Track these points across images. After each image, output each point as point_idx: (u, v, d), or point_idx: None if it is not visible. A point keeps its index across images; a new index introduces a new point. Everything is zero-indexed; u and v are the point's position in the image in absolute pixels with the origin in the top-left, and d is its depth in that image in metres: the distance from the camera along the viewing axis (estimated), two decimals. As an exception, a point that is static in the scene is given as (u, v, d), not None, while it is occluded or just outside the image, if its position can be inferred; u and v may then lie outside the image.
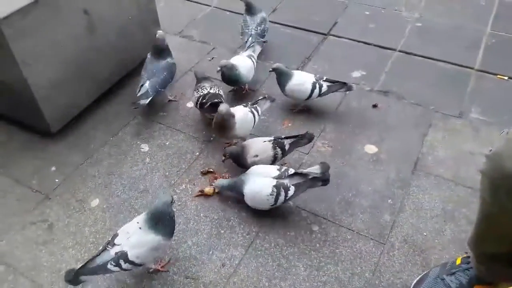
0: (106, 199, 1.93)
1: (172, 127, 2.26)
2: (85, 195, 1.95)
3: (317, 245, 1.73)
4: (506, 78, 2.45)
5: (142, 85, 2.24)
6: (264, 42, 2.68)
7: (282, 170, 1.80)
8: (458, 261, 1.49)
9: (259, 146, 1.94)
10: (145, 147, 2.16)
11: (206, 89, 2.18)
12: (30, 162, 2.11)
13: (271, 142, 1.94)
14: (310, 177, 1.77)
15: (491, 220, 1.25)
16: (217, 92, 2.18)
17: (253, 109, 2.10)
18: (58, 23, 2.01)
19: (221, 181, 1.90)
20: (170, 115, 2.33)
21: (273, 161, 1.94)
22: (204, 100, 2.13)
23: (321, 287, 1.60)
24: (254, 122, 2.10)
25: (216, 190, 1.93)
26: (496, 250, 1.31)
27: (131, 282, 1.65)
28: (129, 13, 2.38)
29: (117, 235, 1.55)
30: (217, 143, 2.17)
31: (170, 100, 2.41)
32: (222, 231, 1.79)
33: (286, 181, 1.77)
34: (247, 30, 2.62)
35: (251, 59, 2.40)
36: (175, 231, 1.76)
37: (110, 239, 1.56)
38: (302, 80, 2.24)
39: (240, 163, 1.95)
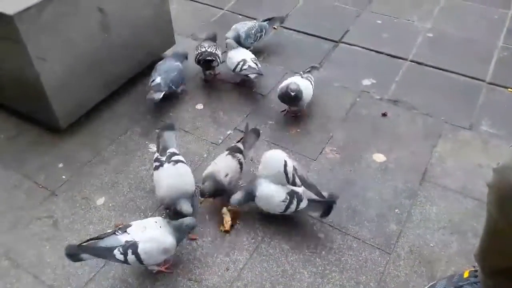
0: (112, 198, 1.93)
1: (181, 128, 2.26)
2: (91, 193, 1.96)
3: (323, 252, 1.72)
4: (517, 91, 2.44)
5: (153, 80, 2.29)
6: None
7: (298, 185, 1.78)
8: (466, 274, 1.48)
9: (222, 165, 1.84)
10: (153, 147, 2.16)
11: (204, 48, 2.45)
12: (38, 158, 2.11)
13: (228, 154, 1.88)
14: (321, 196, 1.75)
15: (497, 234, 1.23)
16: (213, 51, 2.45)
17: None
18: (73, 20, 2.02)
19: (235, 198, 1.78)
20: (179, 116, 2.33)
21: (241, 168, 1.88)
22: (200, 57, 2.43)
23: (325, 295, 1.59)
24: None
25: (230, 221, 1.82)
26: (503, 265, 1.30)
27: (134, 283, 1.64)
28: (143, 13, 2.39)
29: (130, 226, 1.57)
30: (226, 146, 2.16)
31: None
32: (227, 235, 1.79)
33: (299, 191, 1.76)
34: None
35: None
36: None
37: (121, 226, 1.57)
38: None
39: (220, 192, 1.81)
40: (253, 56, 2.49)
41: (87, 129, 2.26)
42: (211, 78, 2.59)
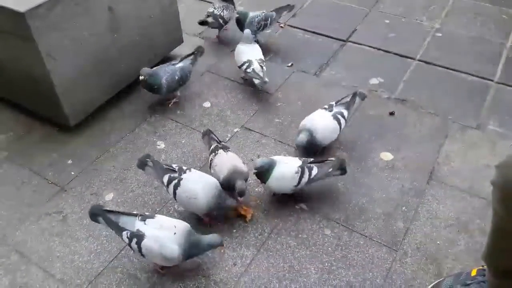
0: (120, 194, 1.95)
1: (189, 125, 2.28)
2: (99, 189, 1.98)
3: (329, 249, 1.72)
4: (525, 91, 2.43)
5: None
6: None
7: (303, 159, 1.88)
8: (474, 273, 1.47)
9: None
10: (161, 144, 2.18)
11: (212, 8, 2.78)
12: (47, 155, 2.14)
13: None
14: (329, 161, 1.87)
15: (503, 233, 1.23)
16: (219, 13, 2.77)
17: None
18: (83, 18, 2.05)
19: (262, 160, 1.81)
20: (187, 113, 2.35)
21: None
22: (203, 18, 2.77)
23: (331, 291, 1.59)
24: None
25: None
26: (508, 265, 1.29)
27: (142, 277, 1.66)
28: (151, 12, 2.42)
29: (153, 218, 1.61)
30: (233, 144, 2.18)
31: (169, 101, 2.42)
32: (234, 231, 1.80)
33: (310, 164, 1.84)
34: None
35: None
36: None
37: (148, 213, 1.64)
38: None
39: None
40: (261, 56, 2.46)
41: (96, 126, 2.29)
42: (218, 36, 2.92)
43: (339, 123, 2.03)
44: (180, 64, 2.39)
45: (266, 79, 2.37)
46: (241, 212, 1.84)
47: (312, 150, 2.02)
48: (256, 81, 2.38)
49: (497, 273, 1.36)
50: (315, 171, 1.84)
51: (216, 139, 2.01)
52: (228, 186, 1.81)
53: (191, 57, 2.46)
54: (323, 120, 2.02)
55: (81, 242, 1.78)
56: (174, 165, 1.82)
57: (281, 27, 2.99)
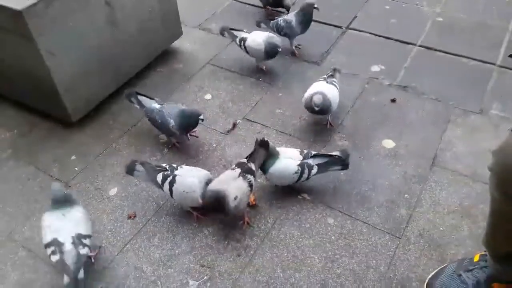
0: (124, 188, 1.97)
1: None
2: (104, 184, 1.99)
3: (332, 237, 1.73)
4: (528, 74, 2.41)
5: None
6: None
7: (305, 152, 1.86)
8: (476, 258, 1.48)
9: (234, 185, 1.69)
10: (164, 137, 2.19)
11: None
12: (51, 151, 2.16)
13: (240, 176, 1.72)
14: (331, 156, 1.86)
15: (501, 217, 1.24)
16: None
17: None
18: (81, 14, 2.04)
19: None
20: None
21: (251, 189, 1.74)
22: None
23: (335, 279, 1.60)
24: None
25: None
26: (508, 249, 1.30)
27: (147, 270, 1.68)
28: (149, 5, 2.41)
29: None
30: (235, 136, 2.19)
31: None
32: (238, 222, 1.81)
33: (310, 161, 1.84)
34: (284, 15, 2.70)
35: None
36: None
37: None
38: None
39: (220, 210, 1.68)
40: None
41: (98, 121, 2.30)
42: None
43: (337, 88, 2.18)
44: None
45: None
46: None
47: (325, 111, 2.09)
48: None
49: (497, 258, 1.37)
50: (314, 170, 1.83)
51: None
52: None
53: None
54: (326, 87, 2.14)
55: (87, 237, 1.80)
56: (163, 164, 1.84)
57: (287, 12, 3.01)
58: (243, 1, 3.18)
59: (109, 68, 2.30)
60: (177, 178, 1.76)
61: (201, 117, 1.99)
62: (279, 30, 2.61)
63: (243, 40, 2.48)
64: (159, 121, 2.05)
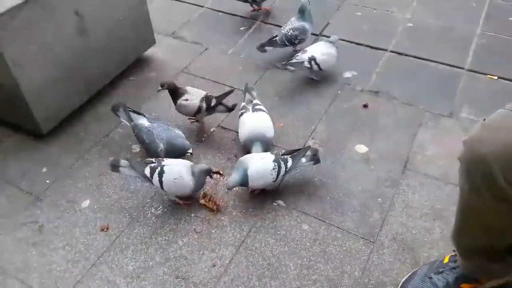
0: (97, 200, 1.93)
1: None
2: (75, 196, 1.95)
3: (307, 244, 1.73)
4: (495, 77, 2.47)
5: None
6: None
7: (275, 152, 1.91)
8: (446, 260, 1.50)
9: (195, 93, 2.14)
10: (136, 148, 2.16)
11: None
12: (20, 164, 2.10)
13: (203, 99, 2.13)
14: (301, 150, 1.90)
15: (469, 210, 1.26)
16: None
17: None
18: (49, 23, 2.01)
19: (231, 180, 1.82)
20: (162, 115, 2.33)
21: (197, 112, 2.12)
22: None
23: (311, 285, 1.60)
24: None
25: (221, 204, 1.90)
26: (476, 244, 1.32)
27: (121, 283, 1.64)
28: (120, 14, 2.38)
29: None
30: (209, 143, 2.18)
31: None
32: (213, 231, 1.80)
33: (284, 157, 1.88)
34: (282, 29, 2.64)
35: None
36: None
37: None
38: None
39: (172, 98, 2.14)
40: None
41: (70, 132, 2.26)
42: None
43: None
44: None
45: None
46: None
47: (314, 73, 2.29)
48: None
49: (465, 253, 1.40)
50: (290, 162, 1.86)
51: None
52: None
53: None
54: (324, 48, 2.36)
55: (58, 251, 1.75)
56: (149, 159, 1.88)
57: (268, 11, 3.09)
58: (216, 8, 3.19)
59: (80, 77, 2.26)
60: (165, 168, 1.80)
61: (189, 151, 1.97)
62: (292, 40, 2.60)
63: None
64: (147, 141, 1.99)
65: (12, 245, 1.79)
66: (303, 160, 1.90)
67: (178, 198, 1.89)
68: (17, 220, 1.87)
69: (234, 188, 1.89)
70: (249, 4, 3.05)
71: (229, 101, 2.21)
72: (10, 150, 2.18)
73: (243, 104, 2.16)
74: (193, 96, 2.15)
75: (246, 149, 2.05)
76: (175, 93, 2.16)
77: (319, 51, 2.44)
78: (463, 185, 1.19)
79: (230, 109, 2.20)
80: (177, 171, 1.80)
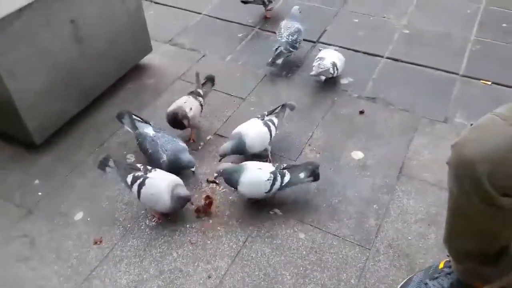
0: (89, 212, 1.91)
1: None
2: (68, 208, 1.93)
3: (304, 252, 1.71)
4: (489, 83, 2.47)
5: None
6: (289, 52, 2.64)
7: (276, 165, 1.89)
8: (441, 265, 1.49)
9: (187, 101, 2.17)
10: (131, 158, 2.14)
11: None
12: (13, 176, 2.08)
13: (190, 95, 2.22)
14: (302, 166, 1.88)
15: (459, 214, 1.25)
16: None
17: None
18: (44, 32, 2.00)
19: (226, 164, 1.87)
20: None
21: (201, 109, 2.22)
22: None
23: (307, 295, 1.58)
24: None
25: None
26: (467, 247, 1.32)
27: (115, 295, 1.62)
28: (117, 21, 2.38)
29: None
30: (205, 152, 2.16)
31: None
32: (209, 242, 1.77)
33: (282, 170, 1.85)
34: (279, 38, 2.63)
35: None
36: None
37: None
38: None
39: (180, 124, 2.11)
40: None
41: (64, 142, 2.24)
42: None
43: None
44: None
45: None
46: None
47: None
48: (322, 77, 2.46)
49: (458, 258, 1.38)
50: (287, 177, 1.83)
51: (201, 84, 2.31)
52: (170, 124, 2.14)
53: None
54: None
55: (50, 266, 1.72)
56: (138, 165, 1.86)
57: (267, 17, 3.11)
58: (214, 15, 3.19)
59: (76, 86, 2.25)
60: (147, 181, 1.77)
61: (193, 169, 1.93)
62: (294, 45, 2.61)
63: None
64: (150, 151, 1.97)
65: (3, 260, 1.75)
66: (302, 175, 1.85)
67: (155, 212, 1.86)
68: (8, 234, 1.84)
69: (230, 198, 1.87)
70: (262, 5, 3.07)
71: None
72: (4, 162, 2.15)
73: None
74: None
75: (243, 157, 2.05)
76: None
77: (334, 56, 2.47)
78: (452, 189, 1.18)
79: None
80: (157, 187, 1.76)
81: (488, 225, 1.19)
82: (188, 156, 1.95)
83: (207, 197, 1.89)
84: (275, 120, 2.08)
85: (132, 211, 1.90)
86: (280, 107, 2.14)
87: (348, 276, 1.63)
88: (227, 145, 1.98)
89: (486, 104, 2.27)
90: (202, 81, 2.34)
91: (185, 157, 1.94)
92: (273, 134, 2.05)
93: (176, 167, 1.93)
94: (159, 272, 1.68)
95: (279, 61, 2.60)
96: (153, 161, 1.97)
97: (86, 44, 2.23)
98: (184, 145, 2.00)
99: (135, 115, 2.13)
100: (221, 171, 1.84)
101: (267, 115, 2.11)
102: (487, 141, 1.06)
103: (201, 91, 2.25)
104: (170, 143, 1.96)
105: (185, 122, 2.09)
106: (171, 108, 2.14)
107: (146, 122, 2.11)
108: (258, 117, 2.10)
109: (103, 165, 1.85)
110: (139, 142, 2.03)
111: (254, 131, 2.01)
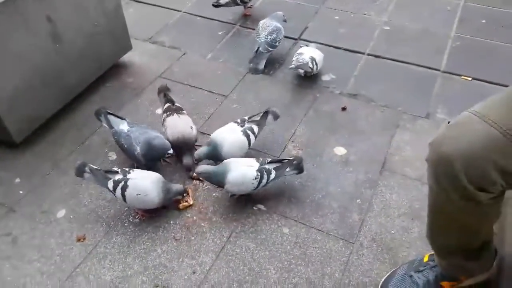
0: (72, 210, 1.89)
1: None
2: (51, 206, 1.91)
3: (288, 247, 1.73)
4: (470, 79, 2.51)
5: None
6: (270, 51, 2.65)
7: (261, 160, 1.87)
8: (426, 259, 1.51)
9: (182, 123, 2.06)
10: (113, 155, 2.13)
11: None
12: (-7, 174, 2.05)
13: (175, 114, 2.09)
14: (286, 161, 1.89)
15: (439, 210, 1.28)
16: None
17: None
18: (20, 31, 1.96)
19: (204, 167, 1.86)
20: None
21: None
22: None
23: (292, 289, 1.60)
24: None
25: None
26: (449, 243, 1.34)
27: (98, 293, 1.61)
28: (95, 20, 2.35)
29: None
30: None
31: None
32: (193, 238, 1.78)
33: (267, 166, 1.84)
34: (257, 38, 2.63)
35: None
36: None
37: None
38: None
39: (189, 144, 2.02)
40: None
41: (45, 140, 2.20)
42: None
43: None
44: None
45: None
46: (186, 201, 1.88)
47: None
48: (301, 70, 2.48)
49: (441, 253, 1.41)
50: (273, 175, 1.84)
51: (171, 99, 2.16)
52: (175, 151, 1.98)
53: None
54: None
55: (33, 264, 1.70)
56: (115, 168, 1.84)
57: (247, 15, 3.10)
58: (194, 13, 3.17)
59: (55, 84, 2.22)
60: (129, 182, 1.75)
61: (170, 151, 1.90)
62: (273, 44, 2.62)
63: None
64: (125, 146, 1.96)
65: (-16, 259, 1.73)
66: (287, 169, 1.88)
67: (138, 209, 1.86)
68: (-11, 233, 1.82)
69: (214, 194, 1.87)
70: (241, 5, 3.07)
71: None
72: (-18, 161, 2.12)
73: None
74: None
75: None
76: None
77: (313, 52, 2.48)
78: (432, 185, 1.21)
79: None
80: (142, 187, 1.75)
81: (468, 221, 1.21)
82: (161, 141, 1.91)
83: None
84: (256, 129, 2.01)
85: (115, 208, 1.89)
86: (262, 114, 2.05)
87: (332, 270, 1.65)
88: (203, 150, 1.95)
89: (467, 100, 2.27)
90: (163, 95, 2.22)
91: (157, 143, 1.90)
92: (251, 143, 2.00)
93: (152, 156, 1.94)
94: (144, 268, 1.67)
95: (261, 64, 2.61)
96: (129, 155, 1.98)
97: (64, 42, 2.19)
98: (157, 133, 1.97)
99: (110, 112, 2.09)
100: (201, 173, 1.85)
101: (247, 121, 2.04)
102: (464, 138, 1.08)
103: (178, 104, 2.16)
104: (143, 135, 1.95)
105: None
106: (174, 134, 2.01)
107: (121, 118, 2.08)
108: (237, 122, 2.02)
109: (80, 171, 1.81)
110: (116, 139, 2.03)
111: (231, 140, 1.96)
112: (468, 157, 1.06)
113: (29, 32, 2.01)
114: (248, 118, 2.06)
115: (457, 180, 1.08)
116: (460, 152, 1.07)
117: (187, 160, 1.98)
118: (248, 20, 3.08)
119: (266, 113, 2.06)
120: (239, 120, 2.04)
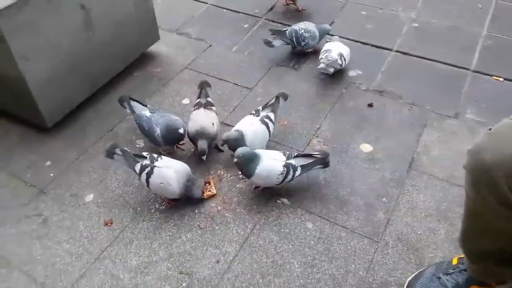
0: (100, 194, 1.93)
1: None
2: (79, 190, 1.95)
3: (311, 242, 1.73)
4: (501, 79, 2.46)
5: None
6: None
7: (287, 154, 1.88)
8: (455, 261, 1.50)
9: (204, 119, 2.03)
10: (140, 143, 2.16)
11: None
12: (25, 157, 2.10)
13: (204, 108, 2.08)
14: (313, 157, 1.88)
15: (475, 216, 1.27)
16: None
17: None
18: (55, 17, 2.00)
19: (243, 149, 1.84)
20: (166, 111, 2.32)
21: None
22: None
23: (315, 284, 1.60)
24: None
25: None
26: (483, 248, 1.33)
27: (125, 278, 1.64)
28: (126, 9, 2.38)
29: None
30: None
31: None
32: (217, 227, 1.80)
33: (293, 162, 1.85)
34: (294, 25, 2.63)
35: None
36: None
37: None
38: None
39: (208, 138, 2.00)
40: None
41: (74, 126, 2.25)
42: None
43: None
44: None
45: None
46: (209, 191, 1.91)
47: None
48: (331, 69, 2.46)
49: (473, 257, 1.40)
50: (298, 172, 1.85)
51: (206, 93, 2.18)
52: (193, 143, 2.03)
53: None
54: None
55: (62, 244, 1.75)
56: (145, 153, 1.87)
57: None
58: (220, 5, 3.17)
59: (84, 72, 2.25)
60: (155, 170, 1.79)
61: (180, 130, 1.95)
62: (299, 40, 2.59)
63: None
64: (146, 128, 2.01)
65: (16, 238, 1.79)
66: (313, 166, 1.88)
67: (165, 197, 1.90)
68: (21, 212, 1.87)
69: (238, 185, 1.89)
70: None
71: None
72: (16, 144, 2.17)
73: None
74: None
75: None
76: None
77: (340, 47, 2.47)
78: (469, 192, 1.20)
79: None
80: (166, 176, 1.78)
81: (505, 227, 1.20)
82: (179, 123, 1.97)
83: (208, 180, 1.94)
84: (272, 115, 2.04)
85: (142, 195, 1.92)
86: (274, 99, 2.10)
87: (357, 267, 1.65)
88: (233, 133, 1.96)
89: (498, 101, 2.30)
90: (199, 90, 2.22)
91: (175, 125, 1.97)
92: (271, 130, 2.02)
93: (170, 137, 1.99)
94: (169, 255, 1.70)
95: (276, 42, 2.61)
96: (150, 138, 2.04)
97: (95, 31, 2.22)
98: (177, 117, 2.03)
99: (133, 99, 2.13)
100: (240, 155, 1.81)
101: (262, 110, 2.06)
102: (505, 146, 1.07)
103: (210, 100, 2.15)
104: (163, 118, 2.01)
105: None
106: (194, 126, 2.02)
107: (144, 105, 2.13)
108: (253, 114, 2.04)
109: (110, 153, 1.86)
110: (137, 123, 2.07)
111: (253, 129, 1.97)
112: (510, 165, 1.05)
113: (63, 19, 2.04)
114: (262, 108, 2.09)
115: (498, 188, 1.07)
116: (500, 161, 1.06)
117: (202, 144, 1.98)
118: (275, 13, 3.06)
119: (277, 97, 2.10)
120: (253, 111, 2.07)
